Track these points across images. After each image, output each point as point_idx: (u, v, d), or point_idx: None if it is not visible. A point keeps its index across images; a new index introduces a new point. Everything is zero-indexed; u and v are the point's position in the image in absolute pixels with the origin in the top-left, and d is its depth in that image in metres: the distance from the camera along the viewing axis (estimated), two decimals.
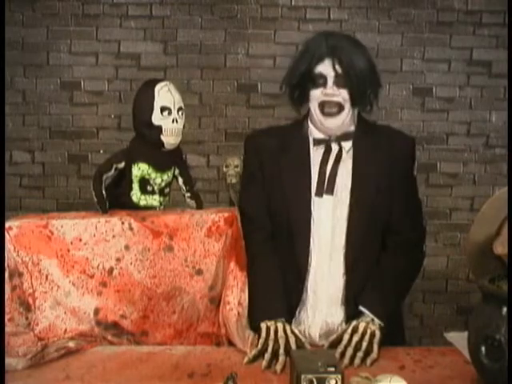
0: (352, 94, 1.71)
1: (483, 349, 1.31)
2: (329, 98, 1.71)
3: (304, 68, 1.72)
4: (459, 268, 3.74)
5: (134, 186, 1.86)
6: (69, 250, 1.75)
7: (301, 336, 1.61)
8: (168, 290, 1.78)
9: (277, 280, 1.74)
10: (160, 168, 1.87)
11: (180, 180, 1.94)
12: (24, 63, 3.73)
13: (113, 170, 1.84)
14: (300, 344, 1.58)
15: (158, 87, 1.84)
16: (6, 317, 1.66)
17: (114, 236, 1.77)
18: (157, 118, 1.82)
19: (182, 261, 1.78)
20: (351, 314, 1.72)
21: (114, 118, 3.77)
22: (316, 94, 1.72)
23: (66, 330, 1.72)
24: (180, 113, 1.85)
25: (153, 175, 1.86)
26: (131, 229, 1.77)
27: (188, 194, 1.93)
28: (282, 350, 1.54)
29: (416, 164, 1.89)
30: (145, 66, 3.74)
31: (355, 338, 1.60)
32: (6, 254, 1.70)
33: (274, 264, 1.76)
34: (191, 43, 3.74)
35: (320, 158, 1.77)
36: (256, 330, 1.65)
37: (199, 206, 1.91)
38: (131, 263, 1.77)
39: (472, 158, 3.79)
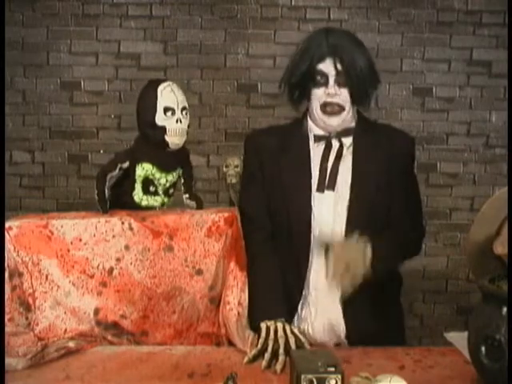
0: (353, 93, 1.72)
1: (483, 349, 1.31)
2: (331, 98, 1.72)
3: (305, 67, 1.72)
4: (459, 268, 3.74)
5: (136, 185, 1.86)
6: (69, 250, 1.75)
7: (301, 336, 1.61)
8: (168, 290, 1.78)
9: (277, 280, 1.74)
10: (165, 168, 1.87)
11: (181, 180, 1.95)
12: (24, 63, 3.73)
13: (117, 170, 1.84)
14: (300, 344, 1.58)
15: (160, 87, 1.84)
16: (6, 317, 1.66)
17: (114, 236, 1.77)
18: (160, 119, 1.82)
19: (182, 261, 1.78)
20: (351, 310, 1.73)
21: (114, 118, 3.77)
22: (318, 94, 1.73)
23: (65, 330, 1.72)
24: (184, 113, 1.85)
25: (157, 175, 1.86)
26: (131, 229, 1.77)
27: (187, 195, 1.92)
28: (281, 350, 1.54)
29: (416, 163, 1.89)
30: (145, 65, 3.74)
31: (345, 255, 1.60)
32: (6, 254, 1.70)
33: (274, 264, 1.76)
34: (191, 43, 3.74)
35: (321, 155, 1.77)
36: (256, 330, 1.65)
37: (199, 207, 1.92)
38: (131, 263, 1.77)
39: (472, 158, 3.79)
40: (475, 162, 3.79)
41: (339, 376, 1.30)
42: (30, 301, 1.72)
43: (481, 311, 1.35)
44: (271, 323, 1.63)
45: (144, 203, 1.87)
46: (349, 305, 1.73)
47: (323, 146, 1.78)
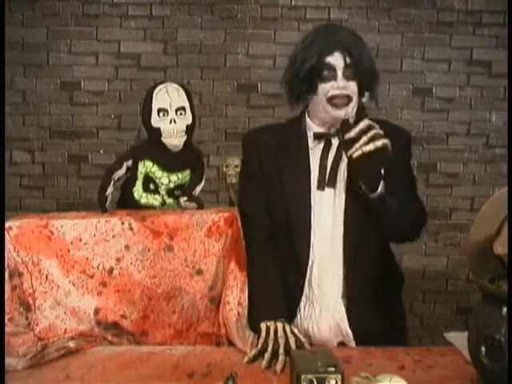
0: (360, 86, 1.72)
1: (483, 349, 1.31)
2: (340, 91, 1.70)
3: (314, 60, 1.69)
4: (459, 268, 3.74)
5: (137, 182, 1.87)
6: (69, 250, 1.75)
7: (301, 336, 1.61)
8: (168, 290, 1.78)
9: (277, 280, 1.74)
10: (168, 168, 1.87)
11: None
12: (24, 63, 3.73)
13: (124, 169, 1.85)
14: (300, 344, 1.58)
15: (156, 90, 1.86)
16: (6, 317, 1.66)
17: (114, 236, 1.77)
18: (155, 120, 1.84)
19: (182, 261, 1.78)
20: (353, 307, 1.73)
21: (113, 118, 3.77)
22: (326, 88, 1.71)
23: (66, 330, 1.72)
24: (179, 113, 1.85)
25: (158, 174, 1.86)
26: (131, 229, 1.77)
27: (184, 198, 1.90)
28: (281, 350, 1.54)
29: (416, 163, 1.89)
30: (145, 66, 3.74)
31: (367, 122, 1.59)
32: (6, 254, 1.70)
33: (274, 264, 1.76)
34: (191, 43, 3.74)
35: (320, 152, 1.77)
36: (256, 330, 1.65)
37: (200, 208, 1.91)
38: (131, 263, 1.77)
39: (472, 158, 3.79)
40: (475, 162, 3.79)
41: (339, 376, 1.30)
42: (30, 301, 1.72)
43: (481, 311, 1.35)
44: (271, 323, 1.63)
45: (143, 201, 1.87)
46: (352, 304, 1.73)
47: (322, 143, 1.78)
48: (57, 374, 1.50)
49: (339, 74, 1.70)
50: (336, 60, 1.69)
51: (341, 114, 1.72)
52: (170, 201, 1.90)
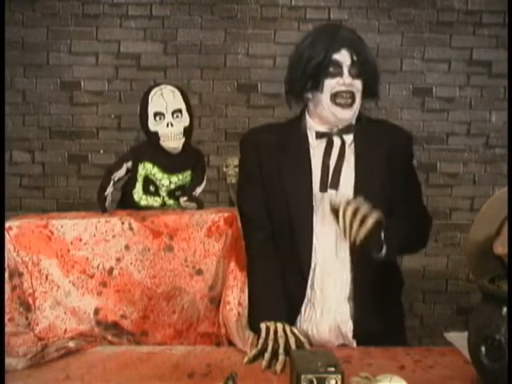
0: (365, 85, 1.72)
1: (483, 349, 1.31)
2: (345, 87, 1.69)
3: (320, 57, 1.68)
4: (459, 268, 3.74)
5: (137, 184, 1.87)
6: (69, 250, 1.75)
7: (301, 336, 1.61)
8: (168, 290, 1.78)
9: (277, 280, 1.74)
10: (168, 170, 1.87)
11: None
12: (24, 63, 3.73)
13: (123, 169, 1.85)
14: (300, 344, 1.58)
15: (151, 93, 1.85)
16: (6, 317, 1.66)
17: (114, 236, 1.77)
18: (152, 124, 1.84)
19: (182, 261, 1.78)
20: (358, 310, 1.73)
21: (113, 118, 3.77)
22: (331, 84, 1.70)
23: (66, 330, 1.72)
24: (175, 115, 1.84)
25: (158, 176, 1.86)
26: (131, 229, 1.77)
27: (184, 198, 1.90)
28: (281, 350, 1.54)
29: (416, 163, 1.89)
30: (145, 66, 3.74)
31: (354, 203, 1.59)
32: (6, 254, 1.70)
33: (274, 264, 1.75)
34: (191, 43, 3.74)
35: (322, 152, 1.75)
36: (256, 330, 1.65)
37: (200, 207, 1.91)
38: (131, 263, 1.77)
39: (472, 158, 3.79)
40: (475, 162, 3.79)
41: (339, 376, 1.29)
42: (30, 301, 1.72)
43: (481, 311, 1.35)
44: (271, 323, 1.62)
45: (143, 202, 1.87)
46: (357, 306, 1.73)
47: (324, 143, 1.76)
48: (57, 373, 1.50)
49: (345, 71, 1.69)
50: (343, 57, 1.69)
51: (346, 113, 1.71)
52: (170, 202, 1.91)
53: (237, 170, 2.98)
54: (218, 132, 3.77)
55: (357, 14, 3.71)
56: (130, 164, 1.86)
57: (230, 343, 1.70)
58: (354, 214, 1.57)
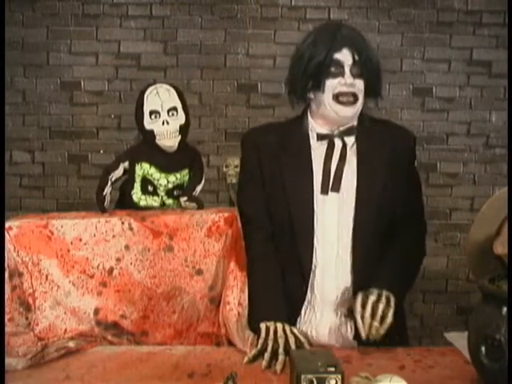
0: (367, 84, 1.70)
1: (483, 349, 1.31)
2: (347, 88, 1.68)
3: (321, 57, 1.67)
4: (459, 268, 3.74)
5: (135, 185, 1.87)
6: (69, 250, 1.75)
7: (300, 336, 1.61)
8: (168, 290, 1.78)
9: (277, 280, 1.73)
10: (166, 169, 1.87)
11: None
12: (24, 63, 3.73)
13: (120, 169, 1.85)
14: (299, 344, 1.58)
15: (147, 92, 1.86)
16: (6, 317, 1.66)
17: (114, 236, 1.77)
18: (147, 123, 1.84)
19: (182, 261, 1.78)
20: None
21: (113, 118, 3.77)
22: (332, 84, 1.68)
23: (66, 330, 1.72)
24: (171, 113, 1.85)
25: (156, 176, 1.87)
26: (131, 229, 1.77)
27: (184, 198, 1.90)
28: (281, 350, 1.54)
29: (416, 163, 1.89)
30: (145, 66, 3.74)
31: (372, 297, 1.60)
32: (6, 254, 1.70)
33: (274, 264, 1.75)
34: (191, 43, 3.73)
35: (323, 154, 1.74)
36: (256, 330, 1.65)
37: (200, 208, 1.91)
38: (131, 263, 1.77)
39: (472, 158, 3.79)
40: (475, 162, 3.79)
41: (339, 376, 1.29)
42: (30, 301, 1.72)
43: (481, 311, 1.35)
44: (271, 324, 1.62)
45: (142, 203, 1.87)
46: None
47: (325, 145, 1.75)
48: (57, 373, 1.50)
49: (347, 70, 1.68)
50: (344, 56, 1.67)
51: (348, 112, 1.70)
52: (169, 201, 1.91)
53: (237, 169, 2.99)
54: (218, 132, 3.77)
55: (357, 14, 3.71)
56: (126, 164, 1.86)
57: (230, 343, 1.70)
58: (373, 315, 1.59)
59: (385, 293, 1.63)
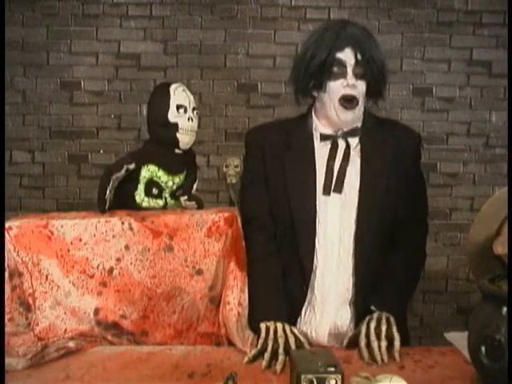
0: (369, 86, 1.68)
1: (483, 349, 1.31)
2: (350, 90, 1.66)
3: (324, 56, 1.64)
4: (459, 268, 3.74)
5: (139, 186, 1.87)
6: (69, 250, 1.75)
7: (300, 336, 1.61)
8: (168, 290, 1.78)
9: (277, 280, 1.73)
10: (172, 171, 1.89)
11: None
12: (24, 63, 3.73)
13: (123, 171, 1.86)
14: (299, 344, 1.58)
15: (173, 87, 1.90)
16: (6, 317, 1.66)
17: (114, 236, 1.77)
18: (173, 116, 1.86)
19: (181, 261, 1.78)
20: (360, 314, 1.71)
21: (113, 118, 3.77)
22: (335, 87, 1.67)
23: (65, 330, 1.72)
24: (195, 112, 1.90)
25: (164, 178, 1.88)
26: (131, 229, 1.77)
27: (185, 197, 1.93)
28: (281, 350, 1.54)
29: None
30: (145, 66, 3.74)
31: (372, 325, 1.60)
32: (6, 254, 1.70)
33: (274, 264, 1.74)
34: (191, 43, 3.73)
35: (327, 155, 1.73)
36: (256, 330, 1.65)
37: (200, 207, 1.92)
38: (131, 263, 1.77)
39: (472, 158, 3.79)
40: (475, 162, 3.79)
41: (339, 376, 1.29)
42: (30, 301, 1.72)
43: (481, 311, 1.35)
44: (271, 323, 1.62)
45: (145, 204, 1.87)
46: (359, 310, 1.72)
47: (329, 145, 1.74)
48: (57, 373, 1.50)
49: (349, 71, 1.65)
50: (346, 56, 1.65)
51: (348, 116, 1.69)
52: (172, 202, 1.92)
53: (237, 169, 2.99)
54: (218, 132, 3.77)
55: (357, 14, 3.70)
56: (131, 166, 1.86)
57: (230, 343, 1.70)
58: (378, 337, 1.58)
59: (384, 315, 1.63)
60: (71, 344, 1.64)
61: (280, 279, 1.73)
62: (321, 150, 1.75)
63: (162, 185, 1.89)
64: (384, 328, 1.59)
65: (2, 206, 1.68)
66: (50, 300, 1.73)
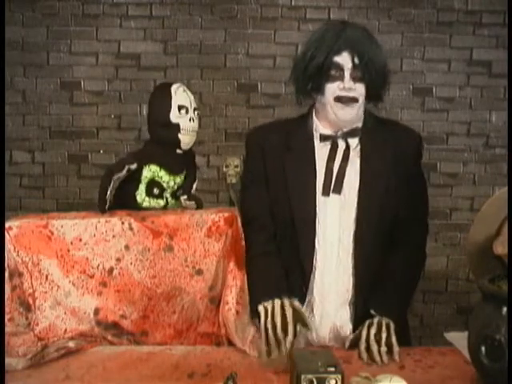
0: (368, 89, 1.68)
1: (483, 349, 1.31)
2: (346, 92, 1.66)
3: (322, 59, 1.65)
4: (459, 268, 3.74)
5: (140, 186, 1.88)
6: (69, 250, 1.75)
7: (301, 311, 1.57)
8: (168, 290, 1.78)
9: (276, 267, 1.70)
10: (173, 171, 1.90)
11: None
12: (24, 63, 3.73)
13: (124, 171, 1.86)
14: (299, 318, 1.55)
15: (174, 87, 1.90)
16: (6, 317, 1.66)
17: (114, 236, 1.77)
18: (175, 116, 1.87)
19: (181, 261, 1.78)
20: (360, 314, 1.71)
21: (113, 118, 3.77)
22: (332, 88, 1.67)
23: (65, 330, 1.72)
24: (196, 113, 1.91)
25: (165, 178, 1.88)
26: (131, 229, 1.77)
27: (185, 197, 1.93)
28: (279, 330, 1.51)
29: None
30: (145, 66, 3.74)
31: (373, 331, 1.60)
32: (6, 254, 1.70)
33: (275, 264, 1.72)
34: (191, 43, 3.73)
35: (326, 156, 1.73)
36: (256, 315, 1.62)
37: (199, 207, 1.92)
38: (131, 263, 1.77)
39: (472, 158, 3.79)
40: (475, 162, 3.79)
41: (339, 376, 1.29)
42: (30, 301, 1.72)
43: (481, 311, 1.35)
44: (268, 304, 1.58)
45: (145, 204, 1.88)
46: (358, 310, 1.72)
47: (329, 146, 1.74)
48: (57, 374, 1.50)
49: (346, 74, 1.66)
50: (344, 60, 1.65)
51: (347, 113, 1.69)
52: (173, 202, 1.92)
53: (237, 169, 2.99)
54: (218, 132, 3.77)
55: (357, 14, 3.70)
56: (133, 166, 1.86)
57: (230, 343, 1.71)
58: (378, 343, 1.58)
59: (384, 321, 1.63)
60: (71, 344, 1.65)
61: (281, 277, 1.70)
62: (321, 151, 1.74)
63: (164, 185, 1.90)
64: (384, 336, 1.59)
65: (2, 205, 1.68)
66: (50, 300, 1.73)
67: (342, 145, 1.74)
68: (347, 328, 1.73)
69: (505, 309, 1.28)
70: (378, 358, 1.54)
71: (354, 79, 1.67)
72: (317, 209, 1.71)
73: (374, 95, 1.73)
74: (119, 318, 1.75)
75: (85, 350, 1.65)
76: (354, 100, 1.68)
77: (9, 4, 3.59)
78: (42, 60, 3.74)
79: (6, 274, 1.70)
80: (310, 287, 1.73)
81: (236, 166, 3.02)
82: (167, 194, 1.92)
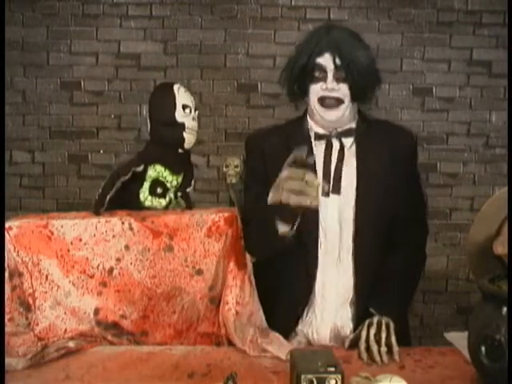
0: (352, 89, 1.69)
1: (483, 349, 1.31)
2: (328, 93, 1.68)
3: (304, 61, 1.68)
4: (459, 268, 3.74)
5: (145, 184, 1.89)
6: (69, 250, 1.75)
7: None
8: (168, 290, 1.78)
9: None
10: (176, 170, 1.92)
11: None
12: (24, 63, 3.73)
13: (130, 174, 1.86)
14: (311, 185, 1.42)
15: (175, 87, 1.92)
16: (6, 317, 1.66)
17: (114, 236, 1.77)
18: (180, 115, 1.90)
19: (181, 261, 1.78)
20: (360, 314, 1.71)
21: (113, 118, 3.77)
22: (315, 89, 1.70)
23: (65, 330, 1.72)
24: (196, 112, 1.94)
25: (169, 178, 1.90)
26: (131, 229, 1.77)
27: (179, 194, 1.96)
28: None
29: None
30: (145, 66, 3.74)
31: (372, 331, 1.60)
32: (6, 254, 1.70)
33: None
34: (191, 43, 3.73)
35: (322, 155, 1.74)
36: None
37: (188, 206, 1.94)
38: (131, 263, 1.77)
39: (472, 158, 3.79)
40: (475, 162, 3.79)
41: (339, 376, 1.29)
42: (30, 301, 1.72)
43: (481, 311, 1.35)
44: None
45: (147, 203, 1.88)
46: (359, 310, 1.72)
47: (323, 145, 1.75)
48: (57, 374, 1.50)
49: (329, 75, 1.68)
50: (326, 61, 1.67)
51: (332, 115, 1.70)
52: (174, 202, 1.94)
53: (237, 169, 2.99)
54: (218, 132, 3.77)
55: (357, 14, 3.71)
56: (139, 169, 1.87)
57: (230, 343, 1.70)
58: (378, 342, 1.59)
59: (384, 320, 1.63)
60: (71, 344, 1.64)
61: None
62: (318, 151, 1.75)
63: (168, 184, 1.90)
64: (384, 335, 1.59)
65: (2, 205, 1.68)
66: (50, 300, 1.73)
67: (336, 144, 1.75)
68: (348, 328, 1.73)
69: (505, 309, 1.28)
70: (377, 358, 1.54)
71: (338, 80, 1.68)
72: (318, 209, 1.71)
73: (359, 96, 1.73)
74: (119, 318, 1.75)
75: (85, 349, 1.65)
76: (339, 100, 1.69)
77: (9, 4, 3.59)
78: (42, 60, 3.74)
79: (6, 274, 1.70)
80: (311, 287, 1.73)
81: (236, 166, 3.02)
82: (171, 194, 1.92)
